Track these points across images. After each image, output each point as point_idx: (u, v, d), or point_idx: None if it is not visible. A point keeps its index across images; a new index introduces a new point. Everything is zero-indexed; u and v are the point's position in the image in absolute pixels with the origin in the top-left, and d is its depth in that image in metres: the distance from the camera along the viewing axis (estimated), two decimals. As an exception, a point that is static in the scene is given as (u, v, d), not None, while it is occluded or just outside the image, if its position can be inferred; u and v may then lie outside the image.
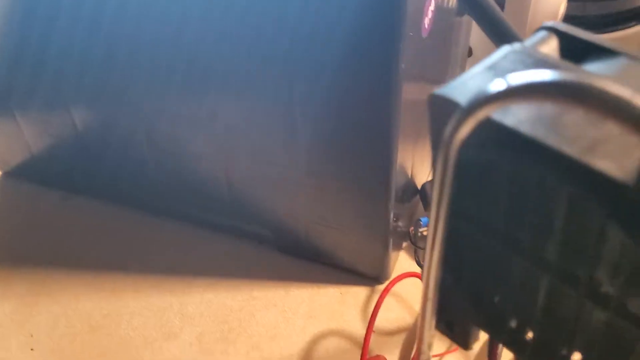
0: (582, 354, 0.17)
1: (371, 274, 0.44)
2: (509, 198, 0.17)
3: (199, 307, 0.43)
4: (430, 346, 0.22)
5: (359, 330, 0.41)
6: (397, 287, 0.44)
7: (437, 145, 0.17)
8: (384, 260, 0.43)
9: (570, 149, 0.14)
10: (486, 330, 0.20)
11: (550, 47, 0.18)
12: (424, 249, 0.44)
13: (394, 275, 0.44)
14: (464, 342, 0.22)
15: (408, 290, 0.43)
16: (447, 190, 0.17)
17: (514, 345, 0.19)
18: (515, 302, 0.19)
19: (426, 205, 0.46)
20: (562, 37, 0.18)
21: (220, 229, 0.47)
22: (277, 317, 0.42)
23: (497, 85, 0.14)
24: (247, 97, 0.37)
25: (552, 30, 0.18)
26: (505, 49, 0.18)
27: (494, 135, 0.15)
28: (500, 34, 0.30)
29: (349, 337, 0.41)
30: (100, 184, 0.50)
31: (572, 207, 0.15)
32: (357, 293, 0.44)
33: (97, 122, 0.44)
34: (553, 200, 0.16)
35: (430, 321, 0.21)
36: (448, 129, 0.16)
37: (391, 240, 0.41)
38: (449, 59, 0.46)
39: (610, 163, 0.14)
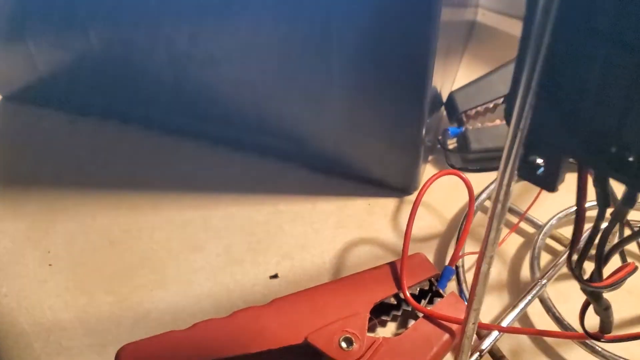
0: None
1: (399, 186, 0.43)
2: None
3: (223, 220, 0.42)
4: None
5: (390, 237, 0.40)
6: (426, 198, 0.43)
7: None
8: (414, 170, 0.41)
9: None
10: (584, 157, 0.19)
11: None
12: (455, 152, 0.43)
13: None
14: (550, 184, 0.20)
15: (436, 199, 0.43)
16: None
17: (616, 167, 0.18)
18: (618, 122, 0.18)
19: (451, 115, 0.45)
20: None
21: (243, 145, 0.45)
22: (305, 228, 0.41)
23: None
24: (280, 7, 0.35)
25: None
26: None
27: None
28: None
29: (380, 244, 0.40)
30: (111, 104, 0.47)
31: None
32: (386, 204, 0.43)
33: (114, 39, 0.42)
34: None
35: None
36: None
37: (422, 150, 0.40)
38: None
39: None
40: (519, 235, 0.40)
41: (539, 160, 0.21)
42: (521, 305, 0.34)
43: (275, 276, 0.38)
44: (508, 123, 0.20)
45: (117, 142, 0.47)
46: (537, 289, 0.34)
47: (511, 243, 0.40)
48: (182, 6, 0.38)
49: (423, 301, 0.34)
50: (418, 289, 0.34)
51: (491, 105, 0.44)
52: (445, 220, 0.41)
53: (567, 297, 0.36)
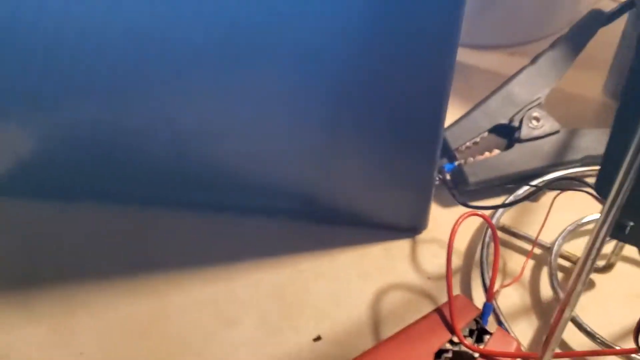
0: None
1: (411, 226, 0.45)
2: None
3: (249, 289, 0.42)
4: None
5: (414, 279, 0.42)
6: (435, 234, 0.45)
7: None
8: (424, 211, 0.44)
9: None
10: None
11: None
12: (457, 189, 0.45)
13: (431, 225, 0.45)
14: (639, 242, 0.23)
15: (445, 234, 0.45)
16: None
17: None
18: None
19: (443, 153, 0.47)
20: None
21: (249, 210, 0.46)
22: (331, 284, 0.42)
23: None
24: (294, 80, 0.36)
25: None
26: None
27: None
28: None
29: (407, 288, 0.42)
30: (106, 187, 0.46)
31: None
32: (401, 246, 0.44)
33: (110, 121, 0.41)
34: None
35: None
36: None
37: (433, 191, 0.42)
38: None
39: None
40: (520, 254, 0.43)
41: (629, 223, 0.23)
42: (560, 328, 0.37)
43: (318, 338, 0.39)
44: (601, 195, 0.22)
45: (117, 225, 0.46)
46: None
47: (519, 263, 0.42)
48: (186, 86, 0.38)
49: (470, 339, 0.36)
50: (468, 330, 0.36)
51: (478, 139, 0.47)
52: (459, 254, 0.44)
53: (588, 310, 0.39)
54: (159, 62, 0.36)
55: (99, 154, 0.43)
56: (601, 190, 0.22)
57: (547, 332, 0.37)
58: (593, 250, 0.24)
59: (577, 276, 0.25)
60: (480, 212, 0.39)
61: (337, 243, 0.45)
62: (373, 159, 0.40)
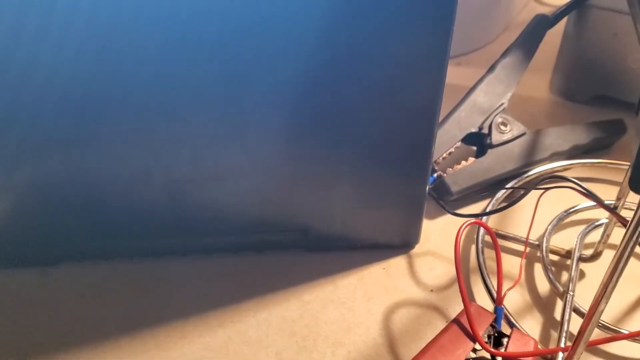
0: None
1: (404, 243, 0.46)
2: None
3: (259, 329, 0.41)
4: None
5: (418, 293, 0.43)
6: (428, 247, 0.47)
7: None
8: (417, 227, 0.45)
9: None
10: None
11: None
12: (442, 199, 0.46)
13: (422, 238, 0.46)
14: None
15: (435, 245, 0.46)
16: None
17: None
18: None
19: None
20: None
21: (242, 247, 0.45)
22: (339, 310, 0.42)
23: None
24: (280, 102, 0.36)
25: None
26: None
27: None
28: None
29: (413, 303, 0.42)
30: (89, 244, 0.44)
31: None
32: (398, 263, 0.45)
33: (86, 179, 0.39)
34: None
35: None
36: None
37: (424, 207, 0.43)
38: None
39: None
40: (515, 256, 0.45)
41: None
42: (566, 321, 0.38)
43: (338, 367, 0.39)
44: (636, 191, 0.24)
45: (106, 283, 0.44)
46: (569, 301, 0.39)
47: (515, 266, 0.44)
48: (180, 133, 0.37)
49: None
50: (486, 336, 0.37)
51: (453, 150, 0.49)
52: (453, 263, 0.45)
53: (583, 299, 0.41)
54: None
55: (77, 212, 0.42)
56: (637, 186, 0.24)
57: (559, 327, 0.39)
58: (630, 243, 0.25)
59: (615, 266, 0.26)
60: (477, 219, 0.41)
61: (336, 269, 0.45)
62: (365, 182, 0.41)
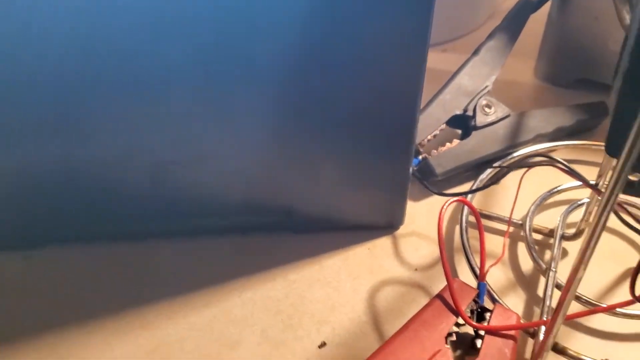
0: None
1: (389, 224, 0.46)
2: None
3: (245, 307, 0.41)
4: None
5: (403, 272, 0.43)
6: (412, 227, 0.47)
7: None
8: (401, 208, 0.45)
9: None
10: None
11: None
12: (426, 181, 0.47)
13: (407, 219, 0.47)
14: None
15: (420, 226, 0.46)
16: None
17: None
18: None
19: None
20: None
21: (228, 229, 0.45)
22: (324, 289, 0.42)
23: None
24: (265, 85, 0.36)
25: None
26: None
27: None
28: None
29: (398, 282, 0.43)
30: (74, 227, 0.44)
31: None
32: (383, 244, 0.45)
33: (68, 162, 0.39)
34: None
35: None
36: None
37: (408, 188, 0.43)
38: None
39: None
40: (499, 236, 0.46)
41: (635, 178, 0.25)
42: (548, 297, 0.39)
43: (323, 344, 0.39)
44: (612, 154, 0.24)
45: (91, 266, 0.44)
46: (552, 277, 0.40)
47: (499, 245, 0.45)
48: (162, 113, 0.37)
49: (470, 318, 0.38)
50: (469, 311, 0.37)
51: (437, 132, 0.49)
52: (437, 242, 0.45)
53: (565, 276, 0.41)
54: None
55: (61, 194, 0.42)
56: (612, 150, 0.24)
57: (542, 302, 0.39)
58: (606, 209, 0.25)
59: (589, 238, 0.27)
60: (460, 197, 0.41)
61: (321, 250, 0.45)
62: (349, 163, 0.41)
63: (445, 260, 0.38)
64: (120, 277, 0.43)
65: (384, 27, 0.34)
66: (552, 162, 0.41)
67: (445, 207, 0.39)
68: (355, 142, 0.40)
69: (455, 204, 0.47)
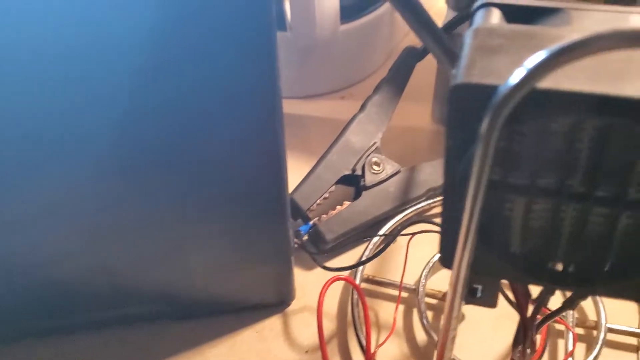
0: (614, 262, 0.20)
1: (278, 301, 0.43)
2: (536, 151, 0.19)
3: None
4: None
5: (293, 357, 0.41)
6: (305, 302, 0.44)
7: (458, 134, 0.19)
8: (288, 282, 0.42)
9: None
10: (525, 278, 0.22)
11: (497, 19, 0.21)
12: (318, 253, 0.44)
13: (299, 292, 0.44)
14: (491, 302, 0.23)
15: (316, 300, 0.44)
16: (486, 171, 0.18)
17: (555, 280, 0.21)
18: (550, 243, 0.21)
19: (295, 215, 0.46)
20: (503, 8, 0.21)
21: (102, 325, 0.41)
22: (208, 385, 0.39)
23: (541, 55, 0.16)
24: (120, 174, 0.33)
25: (490, 5, 0.21)
26: (471, 31, 0.20)
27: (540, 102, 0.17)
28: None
29: (287, 367, 0.40)
30: None
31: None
32: (272, 324, 0.43)
33: None
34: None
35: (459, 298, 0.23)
36: (492, 110, 0.17)
37: (292, 261, 0.41)
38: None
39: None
40: (390, 302, 0.43)
41: (478, 286, 0.23)
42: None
43: None
44: (446, 266, 0.22)
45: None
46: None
47: (390, 312, 0.42)
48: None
49: None
50: None
51: (327, 194, 0.47)
52: (332, 317, 0.43)
53: (465, 340, 0.40)
54: None
55: None
56: (447, 263, 0.22)
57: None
58: (450, 321, 0.23)
59: (442, 345, 0.24)
60: (342, 274, 0.39)
61: (205, 338, 0.42)
62: (223, 242, 0.38)
63: (325, 351, 0.35)
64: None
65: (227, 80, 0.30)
66: (432, 226, 0.39)
67: (325, 289, 0.37)
68: (221, 218, 0.37)
69: (345, 272, 0.45)
